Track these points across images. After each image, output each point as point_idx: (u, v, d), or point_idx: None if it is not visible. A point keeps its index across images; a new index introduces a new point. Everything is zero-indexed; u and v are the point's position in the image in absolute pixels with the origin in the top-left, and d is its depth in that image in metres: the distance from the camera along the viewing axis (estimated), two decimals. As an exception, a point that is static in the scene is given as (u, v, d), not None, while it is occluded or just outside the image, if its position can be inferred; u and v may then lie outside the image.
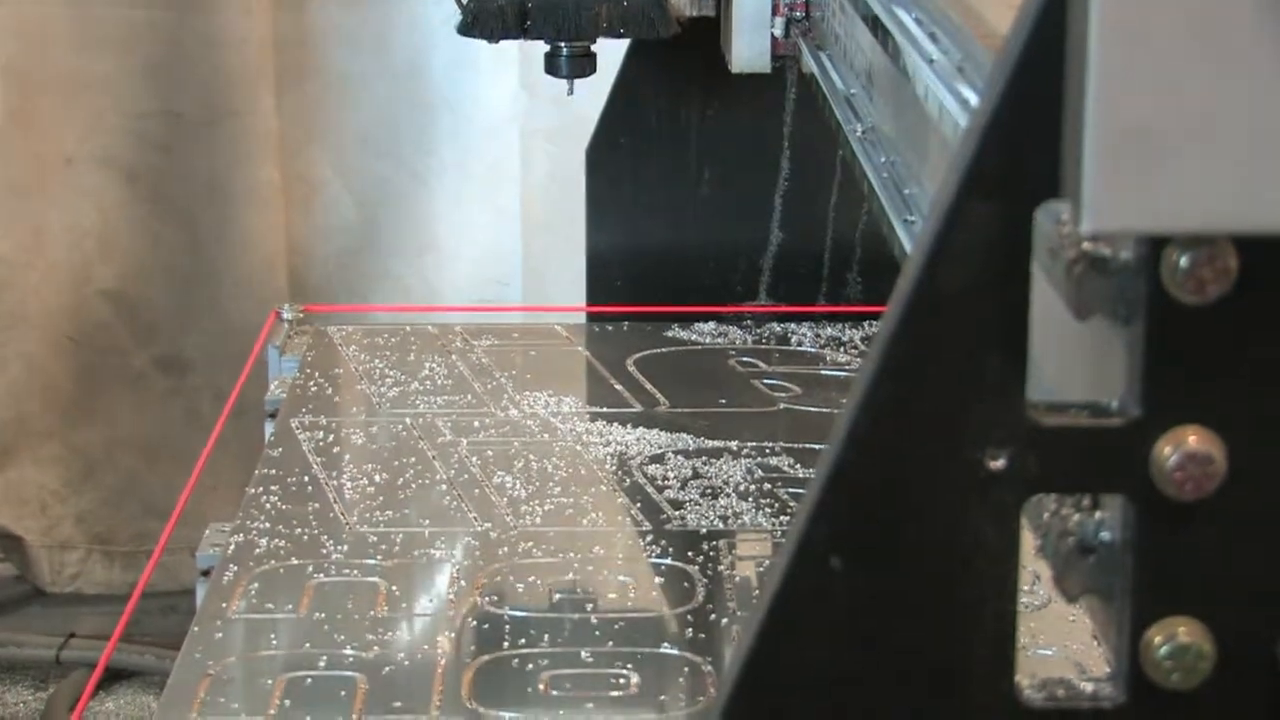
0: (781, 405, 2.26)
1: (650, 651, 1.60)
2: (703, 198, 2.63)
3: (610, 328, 2.55)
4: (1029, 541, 0.81)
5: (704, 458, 2.03)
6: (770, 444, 2.08)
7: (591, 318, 2.60)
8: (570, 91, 2.49)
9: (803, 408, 2.24)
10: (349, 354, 2.46)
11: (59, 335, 3.61)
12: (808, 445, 2.08)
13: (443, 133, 3.57)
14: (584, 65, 2.47)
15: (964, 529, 0.77)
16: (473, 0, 2.30)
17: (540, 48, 2.45)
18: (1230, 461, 0.74)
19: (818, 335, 2.51)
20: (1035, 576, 1.72)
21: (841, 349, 2.47)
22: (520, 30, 2.37)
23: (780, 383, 2.33)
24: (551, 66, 2.47)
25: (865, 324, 2.51)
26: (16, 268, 3.57)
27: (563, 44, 2.43)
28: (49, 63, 3.51)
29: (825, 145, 2.31)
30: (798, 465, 2.02)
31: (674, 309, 2.54)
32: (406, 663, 1.57)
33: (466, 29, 2.35)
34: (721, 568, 1.77)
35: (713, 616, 1.66)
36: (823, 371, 2.39)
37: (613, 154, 2.64)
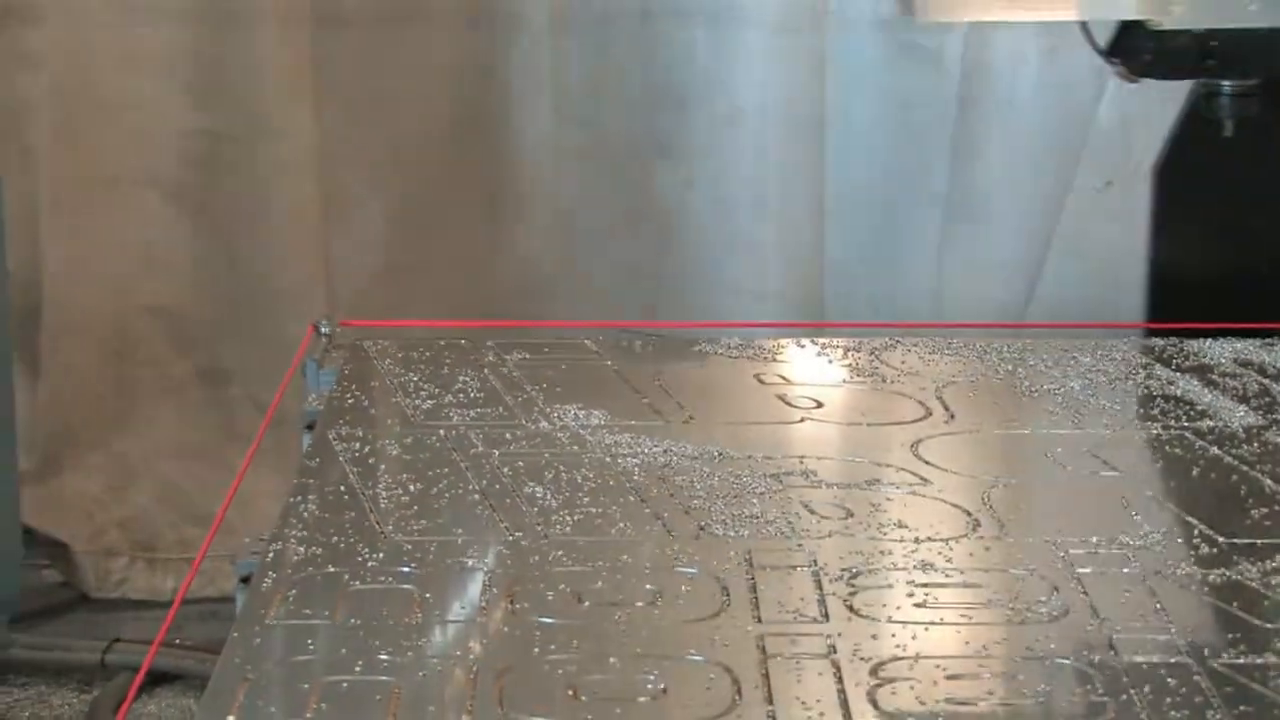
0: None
1: (677, 658, 1.59)
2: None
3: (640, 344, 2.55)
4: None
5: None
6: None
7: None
8: (1229, 132, 2.42)
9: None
10: (384, 367, 2.46)
11: (104, 348, 3.62)
12: None
13: (480, 150, 3.57)
14: (1247, 104, 2.40)
15: None
16: (1145, 41, 2.24)
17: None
18: None
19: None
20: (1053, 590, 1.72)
21: None
22: (1200, 70, 2.30)
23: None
24: (1209, 106, 2.39)
25: None
26: (63, 283, 3.58)
27: (1227, 83, 2.37)
28: (94, 84, 3.51)
29: None
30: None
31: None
32: (440, 668, 1.57)
33: (1145, 70, 2.28)
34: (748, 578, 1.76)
35: (738, 625, 1.66)
36: None
37: (1183, 170, 2.59)
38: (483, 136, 3.55)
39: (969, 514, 1.93)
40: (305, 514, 1.90)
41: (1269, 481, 2.04)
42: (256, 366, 3.52)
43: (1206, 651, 1.60)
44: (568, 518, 1.91)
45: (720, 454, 2.10)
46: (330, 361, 2.46)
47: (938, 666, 1.56)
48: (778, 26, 3.50)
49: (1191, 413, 2.29)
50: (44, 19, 3.48)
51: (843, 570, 1.77)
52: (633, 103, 3.56)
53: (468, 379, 2.39)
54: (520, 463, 2.07)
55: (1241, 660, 1.58)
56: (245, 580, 1.77)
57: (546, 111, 3.54)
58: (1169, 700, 1.51)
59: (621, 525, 1.89)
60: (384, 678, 1.54)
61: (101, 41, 3.49)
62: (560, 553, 1.81)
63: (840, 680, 1.54)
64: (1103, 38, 2.54)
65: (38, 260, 3.56)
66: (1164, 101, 3.48)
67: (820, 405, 2.33)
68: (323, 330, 2.57)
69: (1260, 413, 2.29)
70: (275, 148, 3.54)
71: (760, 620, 1.66)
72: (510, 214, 3.59)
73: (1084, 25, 2.29)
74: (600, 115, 3.57)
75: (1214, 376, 2.44)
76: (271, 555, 1.79)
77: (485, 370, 2.43)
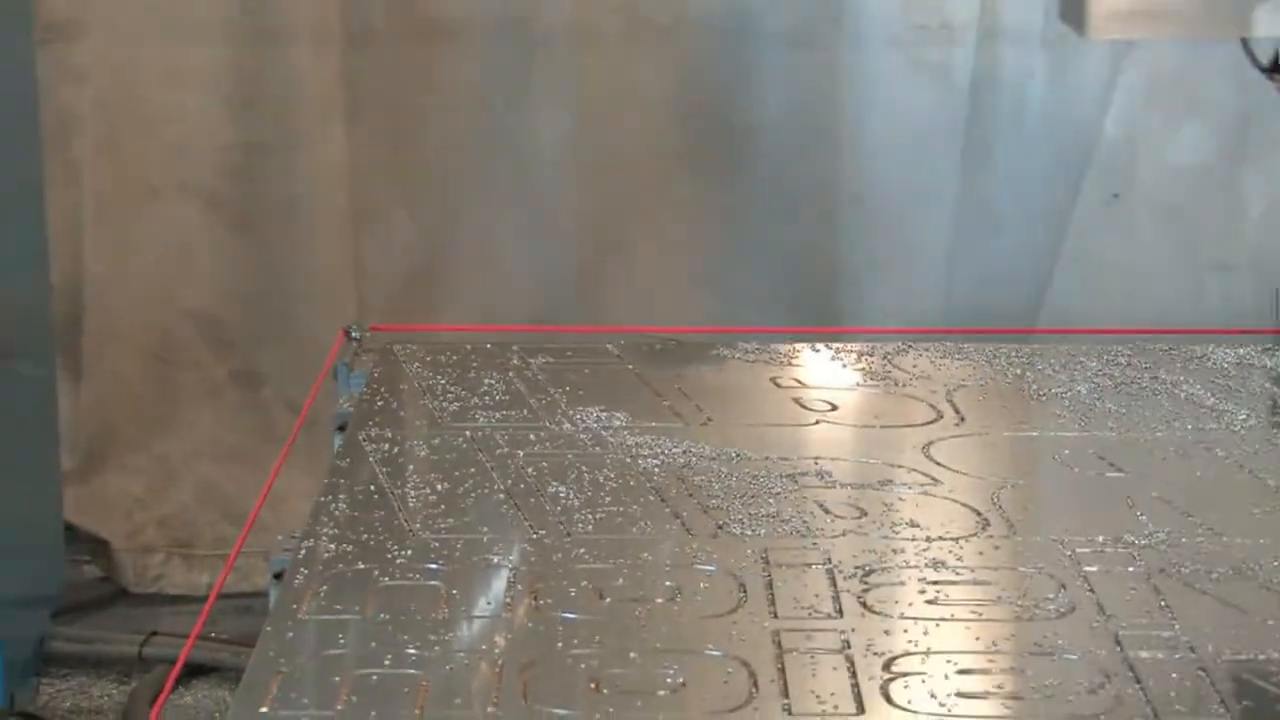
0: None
1: (696, 653, 1.58)
2: None
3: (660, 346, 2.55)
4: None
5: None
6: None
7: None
8: None
9: None
10: (413, 370, 2.45)
11: (144, 352, 3.63)
12: None
13: (502, 164, 3.57)
14: None
15: None
16: None
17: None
18: None
19: None
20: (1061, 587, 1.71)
21: None
22: None
23: None
24: None
25: None
26: (105, 289, 3.59)
27: None
28: (138, 98, 3.52)
29: None
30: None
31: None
32: (466, 661, 1.56)
33: None
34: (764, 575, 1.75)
35: (755, 621, 1.65)
36: None
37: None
38: (507, 148, 3.55)
39: (979, 514, 1.92)
40: (336, 512, 1.90)
41: (1270, 480, 2.03)
42: (290, 370, 3.53)
43: (1210, 647, 1.59)
44: (590, 516, 1.90)
45: (738, 455, 2.10)
46: (360, 365, 2.46)
47: (949, 661, 1.56)
48: (793, 40, 3.49)
49: (1197, 415, 2.28)
50: (89, 35, 3.49)
51: (856, 568, 1.76)
52: (654, 114, 3.55)
53: (493, 382, 2.39)
54: (544, 463, 2.07)
55: (1243, 656, 1.57)
56: (278, 576, 1.77)
57: (568, 121, 3.54)
58: (1173, 693, 1.50)
59: (642, 524, 1.88)
60: (412, 671, 1.54)
61: (145, 58, 3.50)
62: (582, 550, 1.80)
63: (854, 674, 1.53)
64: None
65: (81, 269, 3.57)
66: (1168, 117, 3.48)
67: (834, 408, 2.32)
68: (353, 335, 2.57)
69: (1262, 415, 2.27)
70: (308, 159, 3.54)
71: (776, 616, 1.65)
72: (534, 223, 3.58)
73: (1245, 43, 2.28)
74: (622, 127, 3.56)
75: (1218, 380, 2.43)
76: (304, 552, 1.79)
77: (510, 374, 2.43)
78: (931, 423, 2.25)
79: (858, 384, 2.45)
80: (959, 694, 1.51)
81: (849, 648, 1.58)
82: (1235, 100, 3.48)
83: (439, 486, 1.98)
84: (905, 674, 1.54)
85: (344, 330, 2.58)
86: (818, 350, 2.58)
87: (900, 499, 1.97)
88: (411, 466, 2.06)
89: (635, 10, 3.51)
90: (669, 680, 1.53)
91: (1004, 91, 3.49)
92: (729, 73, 3.51)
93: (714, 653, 1.58)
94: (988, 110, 3.49)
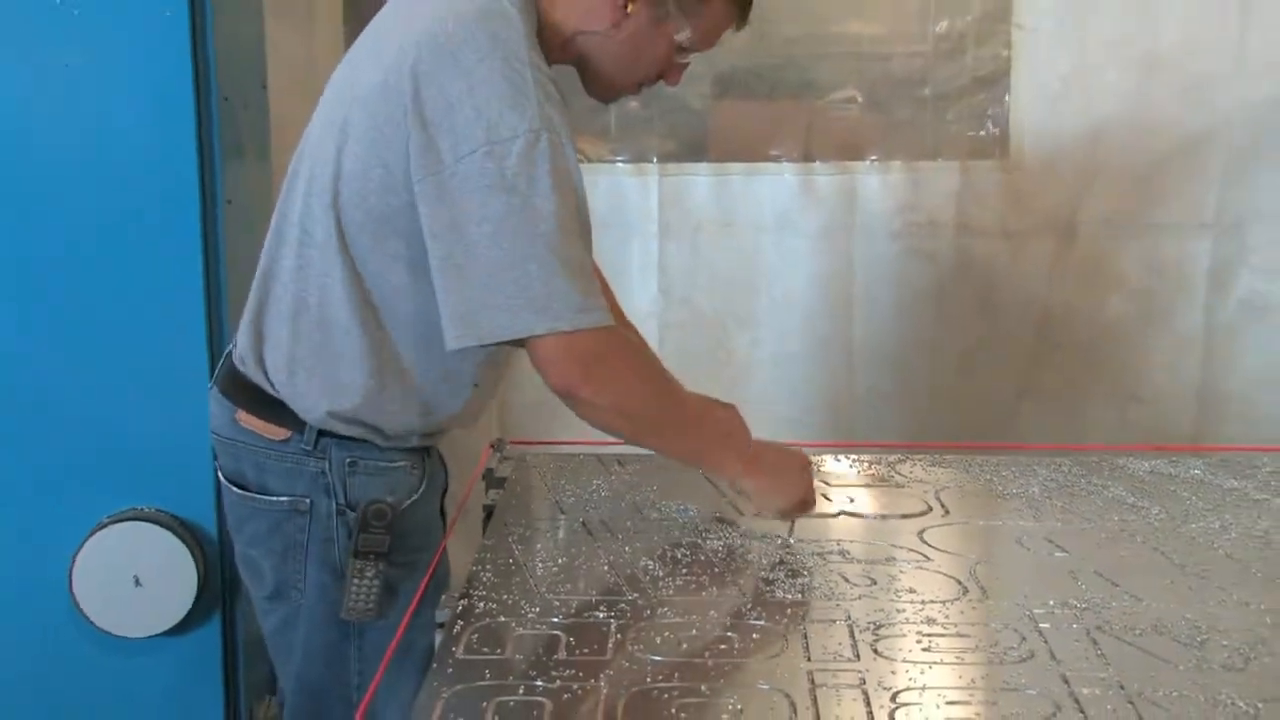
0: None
1: (750, 687, 1.56)
2: None
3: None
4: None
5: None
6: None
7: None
8: None
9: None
10: (540, 474, 2.46)
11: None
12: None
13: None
14: None
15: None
16: None
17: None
18: None
19: None
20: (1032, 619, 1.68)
21: None
22: None
23: None
24: None
25: None
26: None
27: None
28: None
29: None
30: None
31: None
32: (579, 691, 1.55)
33: None
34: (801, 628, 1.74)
35: (793, 663, 1.63)
36: None
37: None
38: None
39: (960, 583, 1.89)
40: (484, 579, 1.90)
41: (1176, 559, 2.00)
42: (455, 475, 3.53)
43: (1135, 685, 1.56)
44: (670, 583, 1.89)
45: (780, 538, 2.08)
46: (502, 469, 2.47)
47: (940, 695, 1.53)
48: (820, 234, 3.51)
49: (1121, 510, 2.25)
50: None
51: (869, 623, 1.74)
52: (716, 286, 3.57)
53: (600, 483, 2.39)
54: (637, 543, 2.06)
55: (1160, 693, 1.54)
56: (441, 626, 1.77)
57: (654, 291, 3.55)
58: (1109, 722, 1.47)
59: (710, 589, 1.87)
60: (539, 699, 1.53)
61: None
62: (665, 609, 1.79)
63: (869, 704, 1.51)
64: None
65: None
66: (1094, 289, 3.47)
67: (852, 501, 2.30)
68: (496, 448, 2.58)
69: (1171, 511, 2.24)
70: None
71: (810, 659, 1.63)
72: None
73: None
74: (692, 295, 3.58)
75: (1136, 484, 2.40)
76: (460, 607, 1.79)
77: (612, 476, 2.43)
78: (924, 514, 2.23)
79: (868, 484, 2.43)
80: (947, 720, 1.48)
81: (865, 683, 1.56)
82: (1145, 277, 3.47)
83: (559, 560, 1.98)
84: (907, 704, 1.51)
85: (490, 444, 2.59)
86: (838, 459, 2.57)
87: (902, 571, 1.94)
88: (539, 545, 2.05)
89: (706, 213, 3.54)
90: (730, 708, 1.51)
91: (975, 269, 3.49)
92: (775, 256, 3.53)
93: (763, 686, 1.56)
94: (964, 283, 3.49)
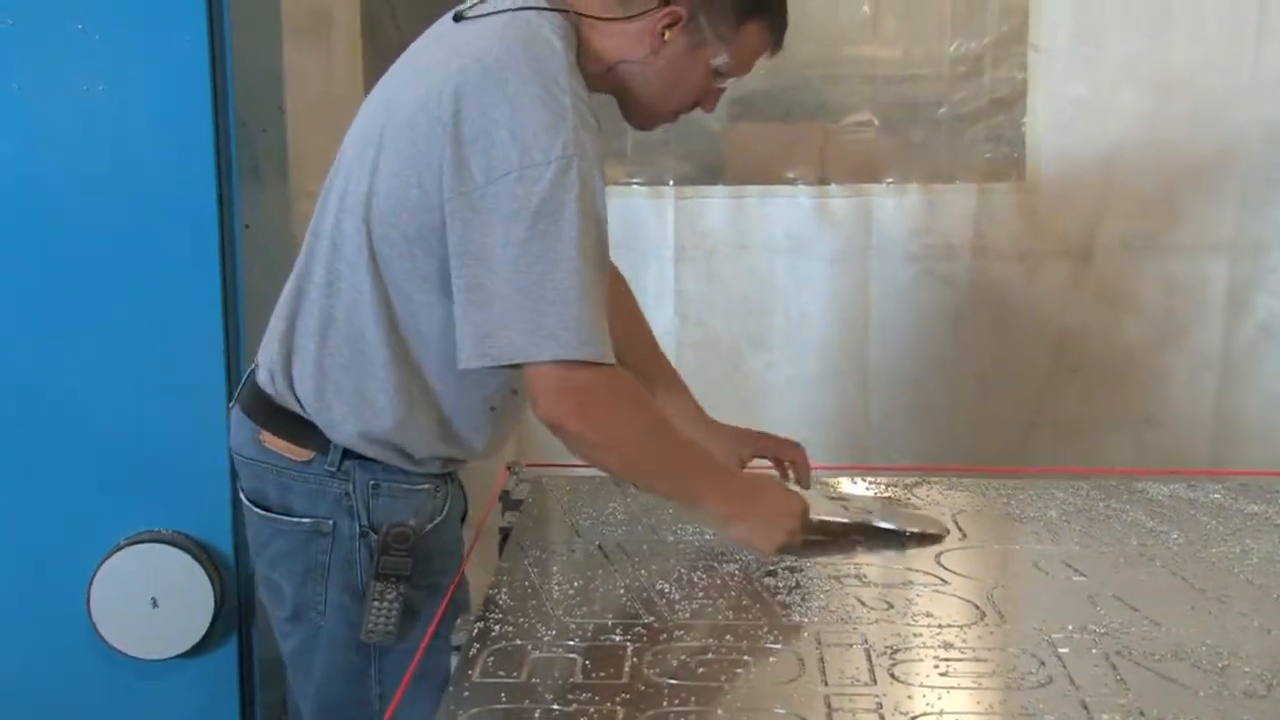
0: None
1: (766, 711, 1.55)
2: None
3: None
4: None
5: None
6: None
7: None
8: None
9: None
10: (556, 496, 2.45)
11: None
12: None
13: (619, 341, 3.57)
14: None
15: None
16: None
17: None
18: None
19: None
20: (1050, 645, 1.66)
21: None
22: None
23: None
24: None
25: None
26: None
27: None
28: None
29: None
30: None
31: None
32: (595, 715, 1.54)
33: None
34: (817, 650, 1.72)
35: (810, 687, 1.62)
36: None
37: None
38: (619, 333, 3.56)
39: (977, 607, 1.88)
40: (500, 601, 1.89)
41: (1196, 584, 1.98)
42: (472, 499, 3.53)
43: (1155, 712, 1.54)
44: (687, 606, 1.88)
45: (796, 562, 2.07)
46: (518, 492, 2.46)
47: (957, 720, 1.52)
48: (835, 257, 3.51)
49: (1140, 534, 2.23)
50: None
51: (886, 647, 1.73)
52: (732, 308, 3.56)
53: (615, 505, 2.38)
54: (653, 566, 2.05)
55: (1180, 719, 1.53)
56: (457, 648, 1.76)
57: (670, 313, 3.55)
58: (1129, 748, 1.46)
59: (726, 612, 1.86)
60: (555, 722, 1.52)
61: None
62: (681, 632, 1.78)
63: (886, 729, 1.50)
64: None
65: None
66: (1111, 311, 3.45)
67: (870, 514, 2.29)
68: (513, 470, 2.57)
69: (1190, 535, 2.23)
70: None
71: (827, 684, 1.62)
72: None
73: None
74: (708, 317, 3.57)
75: (1155, 509, 2.39)
76: (476, 630, 1.78)
77: (628, 499, 2.42)
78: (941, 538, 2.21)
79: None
80: (965, 745, 1.47)
81: (881, 709, 1.55)
82: (1162, 299, 3.46)
83: (575, 583, 1.97)
84: (924, 729, 1.50)
85: (507, 466, 2.58)
86: (855, 482, 2.56)
87: (919, 595, 1.93)
88: (555, 568, 2.05)
89: (722, 235, 3.54)
90: (747, 732, 1.50)
91: (991, 292, 3.48)
92: (791, 279, 3.52)
93: (779, 711, 1.55)
94: (980, 306, 3.48)
